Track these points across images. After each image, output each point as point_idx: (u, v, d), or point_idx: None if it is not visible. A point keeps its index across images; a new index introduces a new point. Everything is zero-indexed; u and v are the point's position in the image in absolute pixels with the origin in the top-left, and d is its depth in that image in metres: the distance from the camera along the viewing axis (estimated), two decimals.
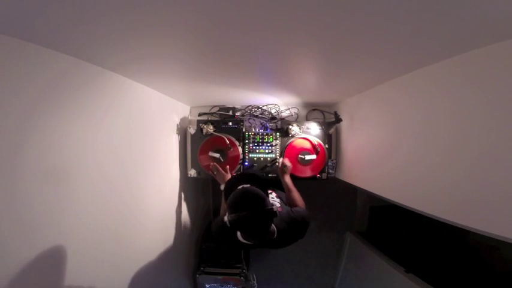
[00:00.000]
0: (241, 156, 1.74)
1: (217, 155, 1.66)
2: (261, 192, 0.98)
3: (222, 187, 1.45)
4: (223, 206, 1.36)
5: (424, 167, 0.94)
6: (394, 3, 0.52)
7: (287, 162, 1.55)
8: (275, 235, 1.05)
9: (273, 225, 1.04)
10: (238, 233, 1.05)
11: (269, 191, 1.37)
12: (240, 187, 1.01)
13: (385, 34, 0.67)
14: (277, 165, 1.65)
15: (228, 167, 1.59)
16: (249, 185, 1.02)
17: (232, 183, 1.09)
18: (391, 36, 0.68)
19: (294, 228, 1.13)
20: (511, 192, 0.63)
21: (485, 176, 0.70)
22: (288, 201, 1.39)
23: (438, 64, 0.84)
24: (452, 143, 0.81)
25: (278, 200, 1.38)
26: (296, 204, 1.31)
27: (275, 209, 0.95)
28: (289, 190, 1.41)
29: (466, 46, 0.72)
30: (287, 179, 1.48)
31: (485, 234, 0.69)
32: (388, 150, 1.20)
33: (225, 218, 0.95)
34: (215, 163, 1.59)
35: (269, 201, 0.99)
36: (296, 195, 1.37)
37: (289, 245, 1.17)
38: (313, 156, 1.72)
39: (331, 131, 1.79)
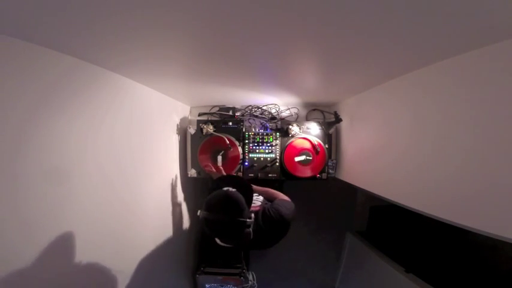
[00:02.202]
0: (241, 156, 1.74)
1: (219, 160, 1.68)
2: (242, 201, 0.92)
3: None
4: None
5: (426, 167, 0.93)
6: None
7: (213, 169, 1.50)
8: (251, 236, 0.97)
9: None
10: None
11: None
12: (225, 189, 0.95)
13: (391, 33, 0.66)
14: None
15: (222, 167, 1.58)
16: (235, 190, 0.96)
17: (221, 181, 1.04)
18: (395, 35, 0.67)
19: (272, 228, 1.06)
20: (511, 192, 0.63)
21: (487, 177, 0.70)
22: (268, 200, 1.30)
23: (443, 62, 0.82)
24: (463, 144, 0.79)
25: (261, 198, 1.29)
26: (276, 197, 1.23)
27: (248, 223, 0.90)
28: (262, 193, 1.33)
29: (463, 47, 0.71)
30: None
31: (485, 234, 0.69)
32: (389, 150, 1.19)
33: (199, 212, 0.91)
34: (211, 162, 1.57)
35: (247, 213, 0.93)
36: (270, 192, 1.30)
37: (272, 245, 1.11)
38: (302, 158, 1.72)
39: (331, 131, 1.79)
